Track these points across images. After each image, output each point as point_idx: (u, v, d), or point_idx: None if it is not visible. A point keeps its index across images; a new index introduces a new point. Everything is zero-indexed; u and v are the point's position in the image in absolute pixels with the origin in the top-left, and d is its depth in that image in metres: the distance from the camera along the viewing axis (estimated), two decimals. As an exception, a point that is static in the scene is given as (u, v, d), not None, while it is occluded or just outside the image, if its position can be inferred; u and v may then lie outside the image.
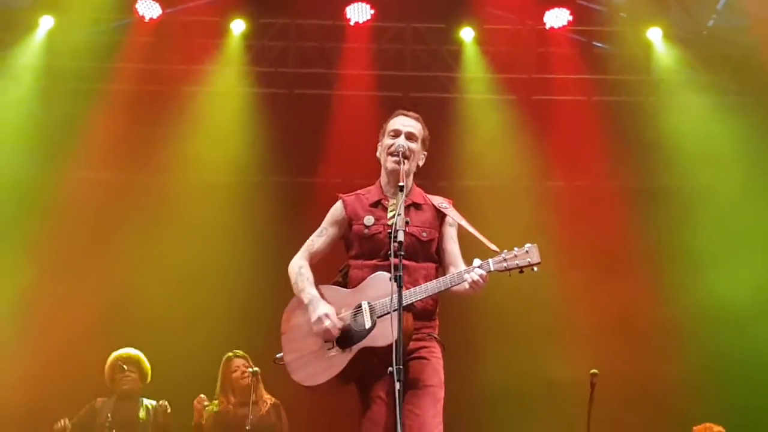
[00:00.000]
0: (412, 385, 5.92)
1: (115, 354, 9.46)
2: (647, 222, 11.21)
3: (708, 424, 9.53)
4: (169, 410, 9.35)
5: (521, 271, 5.79)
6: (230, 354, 9.40)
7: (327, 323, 6.01)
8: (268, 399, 9.30)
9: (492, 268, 5.79)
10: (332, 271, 6.38)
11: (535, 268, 5.77)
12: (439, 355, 6.13)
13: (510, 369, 10.89)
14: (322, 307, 6.08)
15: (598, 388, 8.68)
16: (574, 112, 11.44)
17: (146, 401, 9.43)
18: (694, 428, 9.58)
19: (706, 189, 11.05)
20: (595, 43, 11.55)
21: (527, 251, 5.78)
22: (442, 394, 6.01)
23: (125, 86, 11.13)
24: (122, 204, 11.05)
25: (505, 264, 5.78)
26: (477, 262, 5.84)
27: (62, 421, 9.24)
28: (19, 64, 11.06)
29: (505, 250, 5.79)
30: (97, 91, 11.11)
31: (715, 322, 10.59)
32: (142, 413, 9.36)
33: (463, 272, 5.87)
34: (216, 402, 9.33)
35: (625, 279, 11.07)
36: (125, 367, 9.38)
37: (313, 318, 6.08)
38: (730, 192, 10.95)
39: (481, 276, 5.77)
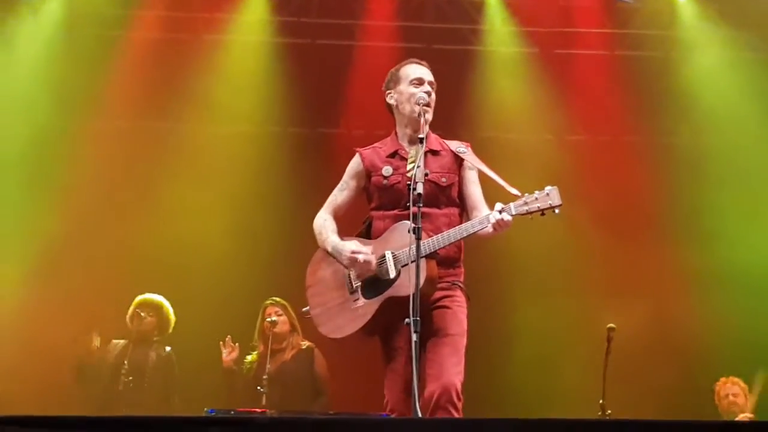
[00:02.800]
0: (434, 333, 5.96)
1: (137, 298, 9.53)
2: (669, 178, 11.16)
3: (732, 378, 9.57)
4: (173, 360, 9.45)
5: (543, 214, 5.80)
6: (267, 301, 9.42)
7: (361, 257, 6.06)
8: (301, 344, 9.29)
9: (513, 212, 5.80)
10: (357, 224, 6.41)
11: (557, 210, 5.76)
12: (463, 303, 6.16)
13: (526, 322, 10.91)
14: (347, 245, 6.14)
15: (615, 342, 8.71)
16: (596, 66, 11.39)
17: (162, 347, 9.49)
18: (717, 383, 9.64)
19: (727, 145, 10.99)
20: (619, -4, 11.49)
21: (548, 194, 5.78)
22: (464, 342, 6.03)
23: (147, 34, 11.09)
24: (144, 153, 11.04)
25: (526, 207, 5.78)
26: (498, 206, 5.84)
27: (96, 339, 9.38)
28: (40, 10, 11.03)
29: (526, 194, 5.78)
30: (119, 39, 11.09)
31: (735, 279, 10.55)
32: (153, 358, 9.42)
33: (484, 218, 5.87)
34: (255, 354, 9.37)
35: (645, 234, 11.06)
36: (142, 312, 9.45)
37: (344, 260, 6.12)
38: (752, 148, 10.89)
39: (504, 220, 5.77)
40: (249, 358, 9.38)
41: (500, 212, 5.79)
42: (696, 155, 11.15)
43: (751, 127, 10.91)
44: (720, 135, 11.04)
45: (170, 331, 9.59)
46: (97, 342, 9.45)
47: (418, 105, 6.19)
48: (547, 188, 5.80)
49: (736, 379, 9.54)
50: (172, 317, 9.57)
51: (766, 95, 10.81)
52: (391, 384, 6.04)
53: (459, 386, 5.87)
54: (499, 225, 5.79)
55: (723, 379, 9.59)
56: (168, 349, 9.49)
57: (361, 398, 8.38)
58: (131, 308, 9.51)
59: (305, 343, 9.29)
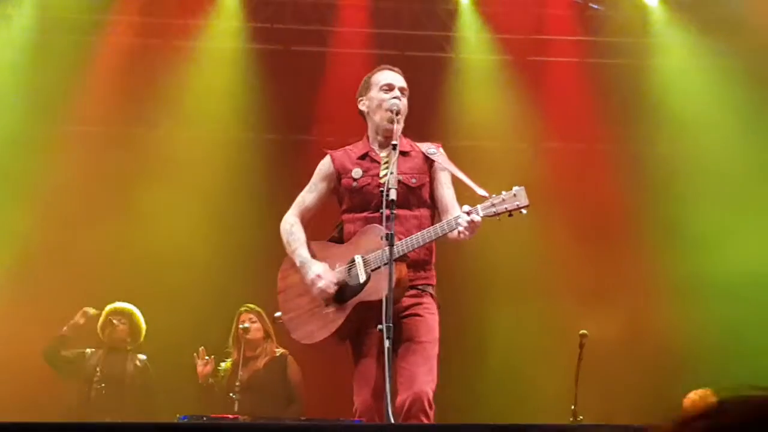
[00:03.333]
0: (405, 341, 5.96)
1: (108, 307, 9.53)
2: (642, 185, 11.19)
3: (704, 393, 9.56)
4: (149, 369, 9.45)
5: (510, 215, 5.80)
6: (242, 308, 9.41)
7: (321, 284, 6.05)
8: (275, 351, 9.30)
9: (481, 214, 5.78)
10: (330, 228, 6.42)
11: (524, 211, 5.77)
12: (434, 310, 6.16)
13: (499, 328, 10.93)
14: (313, 269, 6.12)
15: (588, 349, 8.73)
16: (569, 74, 11.43)
17: (138, 356, 9.50)
18: (687, 398, 9.63)
19: (700, 152, 11.03)
20: (591, 4, 11.51)
21: (515, 194, 5.78)
22: (436, 350, 6.03)
23: (121, 39, 11.05)
24: (117, 159, 10.98)
25: (494, 209, 5.78)
26: (466, 208, 5.85)
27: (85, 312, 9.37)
28: (13, 15, 10.98)
29: (493, 195, 5.79)
30: (92, 44, 11.05)
31: (709, 286, 10.58)
32: (130, 367, 9.43)
33: (452, 219, 5.87)
34: (229, 361, 9.37)
35: (619, 242, 11.10)
36: (115, 320, 9.46)
37: (307, 280, 6.10)
38: (725, 155, 10.93)
39: (472, 222, 5.76)
40: (223, 365, 9.37)
41: (468, 214, 5.80)
42: (669, 162, 11.19)
43: (724, 134, 10.95)
44: (693, 142, 11.08)
45: (141, 339, 9.59)
46: (84, 317, 9.45)
47: (389, 112, 6.20)
48: (515, 188, 5.80)
49: (709, 395, 9.49)
50: (143, 325, 9.59)
51: (738, 102, 10.86)
52: (360, 389, 6.04)
53: (431, 394, 5.87)
54: (468, 227, 5.81)
55: (702, 394, 9.53)
56: (143, 357, 9.51)
57: (334, 405, 8.39)
58: (102, 317, 9.52)
59: (279, 350, 9.28)
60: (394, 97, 6.27)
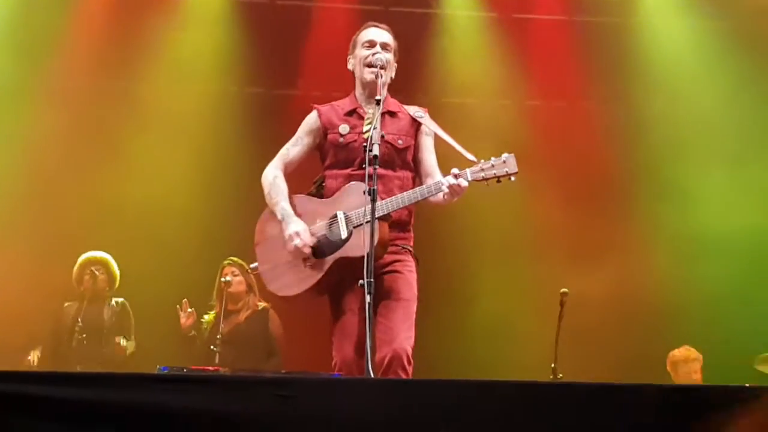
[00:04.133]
0: (384, 298, 5.98)
1: (83, 257, 9.52)
2: (626, 143, 11.20)
3: (688, 352, 9.63)
4: (127, 308, 9.46)
5: (499, 181, 5.84)
6: (225, 261, 9.43)
7: (296, 242, 6.05)
8: (257, 305, 9.32)
9: (470, 178, 5.83)
10: (308, 183, 6.41)
11: (513, 178, 5.81)
12: (413, 268, 6.20)
13: (481, 285, 10.95)
14: (293, 225, 6.12)
15: (574, 308, 8.76)
16: (554, 31, 11.39)
17: (114, 300, 9.52)
18: (672, 353, 9.70)
19: (685, 111, 11.04)
20: (577, -38, 11.48)
21: (504, 161, 5.82)
22: (414, 307, 6.08)
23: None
24: (100, 111, 10.93)
25: (482, 173, 5.81)
26: (454, 171, 5.86)
27: (32, 355, 9.36)
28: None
29: (482, 160, 5.81)
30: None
31: (696, 247, 10.62)
32: (106, 314, 9.44)
33: (440, 182, 5.88)
34: (212, 314, 9.38)
35: (604, 201, 11.10)
36: (92, 268, 9.45)
37: (285, 235, 6.08)
38: (711, 112, 10.94)
39: (458, 185, 5.79)
40: (206, 317, 9.39)
41: (456, 177, 5.83)
42: (655, 120, 11.19)
43: (711, 91, 10.96)
44: (679, 100, 11.09)
45: (117, 286, 9.60)
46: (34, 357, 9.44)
47: (369, 66, 6.24)
48: (504, 155, 5.84)
49: (697, 355, 9.56)
50: (118, 272, 9.60)
51: (723, 61, 10.88)
52: (340, 344, 6.08)
53: (410, 351, 5.92)
54: (453, 191, 5.82)
55: (685, 353, 9.61)
56: (120, 299, 9.51)
57: (314, 359, 8.43)
58: (78, 267, 9.52)
59: (261, 304, 9.33)
60: (375, 53, 6.28)
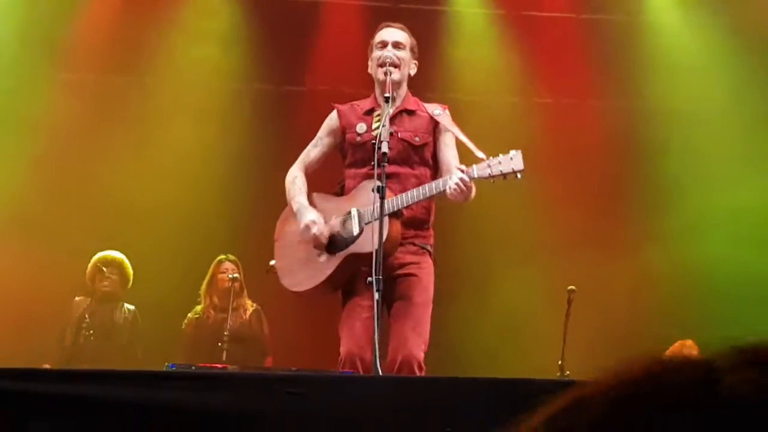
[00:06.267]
0: (399, 300, 6.05)
1: (97, 255, 9.51)
2: (635, 140, 11.19)
3: (686, 343, 9.65)
4: (138, 318, 9.47)
5: (505, 178, 5.82)
6: (222, 257, 9.49)
7: (314, 230, 6.12)
8: (250, 305, 9.39)
9: (475, 175, 5.81)
10: (334, 185, 6.47)
11: (519, 175, 5.80)
12: (431, 270, 6.24)
13: (492, 285, 10.94)
14: (308, 215, 6.19)
15: (575, 304, 8.74)
16: (563, 29, 11.38)
17: (126, 306, 9.51)
18: (671, 348, 9.72)
19: (694, 108, 11.02)
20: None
21: (512, 158, 5.80)
22: (428, 312, 6.12)
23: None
24: (106, 108, 10.91)
25: (489, 170, 5.80)
26: (462, 167, 5.90)
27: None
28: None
29: (490, 157, 5.81)
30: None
31: (698, 241, 10.61)
32: (119, 317, 9.44)
33: (445, 179, 5.90)
34: (199, 308, 9.42)
35: (613, 199, 11.09)
36: (105, 269, 9.44)
37: (301, 226, 6.14)
38: (719, 111, 10.93)
39: (462, 181, 5.77)
40: (198, 307, 9.45)
41: (462, 172, 5.83)
42: (665, 118, 11.17)
43: (719, 91, 10.94)
44: (687, 98, 11.07)
45: (129, 286, 9.61)
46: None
47: (381, 67, 6.27)
48: (512, 152, 5.82)
49: (691, 343, 9.60)
50: (131, 273, 9.59)
51: (732, 55, 10.87)
52: (346, 338, 6.10)
53: (421, 357, 5.96)
54: (459, 187, 5.81)
55: (680, 343, 9.65)
56: (132, 307, 9.52)
57: (303, 358, 8.54)
58: (91, 266, 9.51)
59: (253, 305, 9.41)
60: (386, 52, 6.33)
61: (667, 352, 9.40)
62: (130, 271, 9.60)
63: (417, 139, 6.26)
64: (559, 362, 8.56)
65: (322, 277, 6.16)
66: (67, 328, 9.33)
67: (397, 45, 6.38)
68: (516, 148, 5.89)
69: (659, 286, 10.80)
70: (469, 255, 10.76)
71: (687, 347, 9.57)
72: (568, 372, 8.50)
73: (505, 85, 11.37)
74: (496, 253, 11.01)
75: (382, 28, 6.50)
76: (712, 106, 10.95)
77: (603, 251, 10.71)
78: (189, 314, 9.48)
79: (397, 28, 6.49)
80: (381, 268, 5.59)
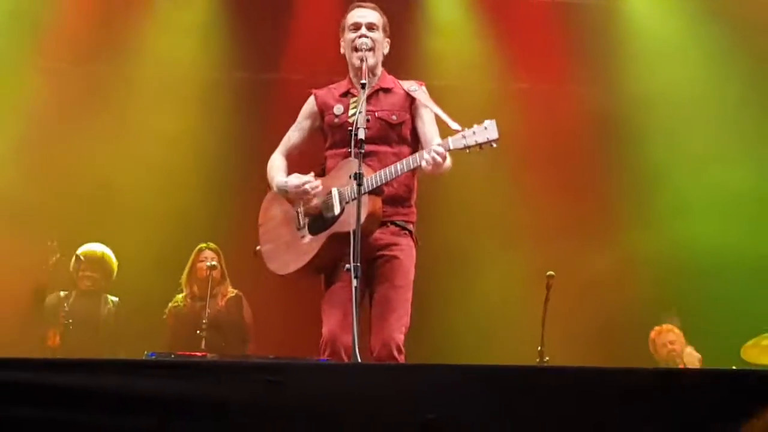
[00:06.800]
0: (380, 282, 6.11)
1: (79, 250, 9.50)
2: (614, 126, 11.21)
3: (666, 326, 9.71)
4: (120, 311, 9.48)
5: (481, 148, 5.86)
6: (202, 245, 9.49)
7: (306, 186, 6.17)
8: (230, 292, 9.38)
9: (451, 146, 5.87)
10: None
11: (494, 144, 5.83)
12: (412, 252, 6.29)
13: (469, 270, 10.96)
14: (290, 181, 6.24)
15: (556, 290, 8.76)
16: (539, 14, 11.36)
17: (109, 297, 9.51)
18: (652, 332, 9.77)
19: (669, 92, 11.05)
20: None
21: (486, 128, 5.83)
22: (409, 294, 6.17)
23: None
24: (85, 97, 10.89)
25: (464, 141, 5.84)
26: (437, 140, 5.98)
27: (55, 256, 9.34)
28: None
29: (465, 128, 5.83)
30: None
31: (683, 228, 10.63)
32: (104, 310, 9.43)
33: (419, 153, 5.93)
34: (180, 297, 9.42)
35: (591, 183, 11.11)
36: (87, 264, 9.43)
37: (291, 194, 6.23)
38: (695, 94, 10.95)
39: (438, 154, 5.83)
40: (179, 297, 9.44)
41: (438, 146, 5.88)
42: (642, 102, 11.18)
43: (693, 74, 10.97)
44: (664, 82, 11.08)
45: (113, 278, 9.60)
46: (54, 258, 9.40)
47: (355, 50, 6.31)
48: (486, 122, 5.85)
49: (669, 326, 9.68)
50: (115, 265, 9.60)
51: (708, 41, 10.90)
52: (327, 318, 6.15)
53: (400, 340, 6.02)
54: (431, 159, 5.84)
55: (657, 328, 9.73)
56: (115, 299, 9.54)
57: (285, 345, 8.54)
58: (74, 260, 9.49)
59: (233, 291, 9.39)
60: (361, 35, 6.34)
61: (652, 337, 9.50)
62: (114, 264, 9.61)
63: (394, 117, 6.29)
64: (539, 348, 8.58)
65: (306, 258, 6.18)
66: (49, 329, 9.29)
67: (370, 27, 6.40)
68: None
69: (641, 271, 10.82)
70: (450, 240, 10.76)
71: (664, 331, 9.66)
72: (547, 358, 8.52)
73: (482, 70, 11.36)
74: (477, 238, 11.02)
75: (353, 8, 6.51)
76: (690, 90, 10.96)
77: (583, 236, 10.76)
78: (170, 303, 9.48)
79: (368, 8, 6.50)
80: (359, 254, 5.59)
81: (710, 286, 10.39)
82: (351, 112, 6.23)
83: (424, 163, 5.88)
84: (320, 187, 6.16)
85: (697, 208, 10.59)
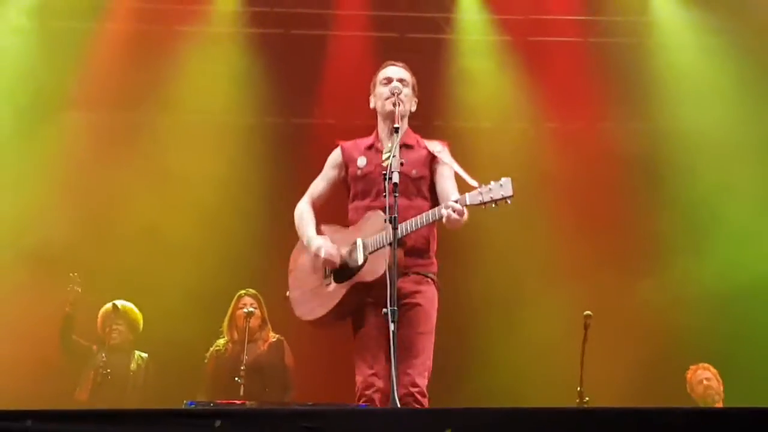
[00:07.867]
0: (403, 329, 6.11)
1: (103, 308, 9.61)
2: (643, 163, 11.20)
3: (702, 365, 9.66)
4: (150, 367, 9.55)
5: (495, 204, 5.95)
6: (242, 292, 9.52)
7: (323, 254, 6.32)
8: (272, 337, 9.41)
9: (468, 202, 5.98)
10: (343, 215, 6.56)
11: (509, 201, 5.93)
12: (434, 299, 6.40)
13: (508, 311, 10.92)
14: (316, 242, 6.41)
15: (595, 329, 8.71)
16: (570, 54, 11.39)
17: (138, 353, 9.59)
18: (687, 371, 9.71)
19: (702, 129, 11.04)
20: (590, -17, 11.48)
21: (501, 185, 5.93)
22: (431, 340, 6.29)
23: (120, 25, 11.06)
24: (118, 145, 10.99)
25: (480, 197, 5.96)
26: (455, 196, 6.09)
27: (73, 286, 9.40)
28: (10, 2, 11.00)
29: (482, 185, 5.96)
30: (90, 30, 11.06)
31: (718, 267, 10.59)
32: (133, 365, 9.53)
33: (438, 208, 6.07)
34: (222, 342, 9.45)
35: (624, 221, 11.09)
36: (113, 320, 9.54)
37: (312, 254, 6.39)
38: (727, 131, 10.94)
39: (455, 210, 5.95)
40: (221, 341, 9.46)
41: (456, 202, 5.99)
42: (670, 140, 11.18)
43: (726, 111, 10.96)
44: (695, 120, 11.08)
45: (140, 331, 9.67)
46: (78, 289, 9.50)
47: (388, 96, 6.47)
48: (502, 179, 5.96)
49: (705, 365, 9.63)
50: (140, 319, 9.69)
51: (739, 78, 10.88)
52: (359, 365, 6.25)
53: (424, 385, 6.13)
54: (451, 218, 5.97)
55: (693, 367, 9.69)
56: (145, 355, 9.61)
57: (327, 389, 8.53)
58: (100, 318, 9.62)
59: (275, 336, 9.40)
60: (394, 82, 6.54)
61: (687, 377, 9.43)
62: (138, 317, 9.69)
63: (414, 172, 6.41)
64: (579, 388, 8.53)
65: (330, 305, 6.32)
66: (81, 382, 9.37)
67: (401, 81, 6.58)
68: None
69: (680, 310, 10.76)
70: (492, 284, 10.76)
71: (700, 369, 9.60)
72: (587, 398, 8.47)
73: (514, 111, 11.39)
74: (518, 281, 10.99)
75: (385, 66, 6.70)
76: (723, 126, 10.95)
77: (621, 275, 10.72)
78: (211, 348, 9.50)
79: (399, 66, 6.68)
80: (395, 298, 5.71)
81: (752, 326, 10.35)
82: (384, 156, 6.30)
83: (443, 218, 6.01)
84: (334, 260, 6.30)
85: (740, 246, 10.54)
